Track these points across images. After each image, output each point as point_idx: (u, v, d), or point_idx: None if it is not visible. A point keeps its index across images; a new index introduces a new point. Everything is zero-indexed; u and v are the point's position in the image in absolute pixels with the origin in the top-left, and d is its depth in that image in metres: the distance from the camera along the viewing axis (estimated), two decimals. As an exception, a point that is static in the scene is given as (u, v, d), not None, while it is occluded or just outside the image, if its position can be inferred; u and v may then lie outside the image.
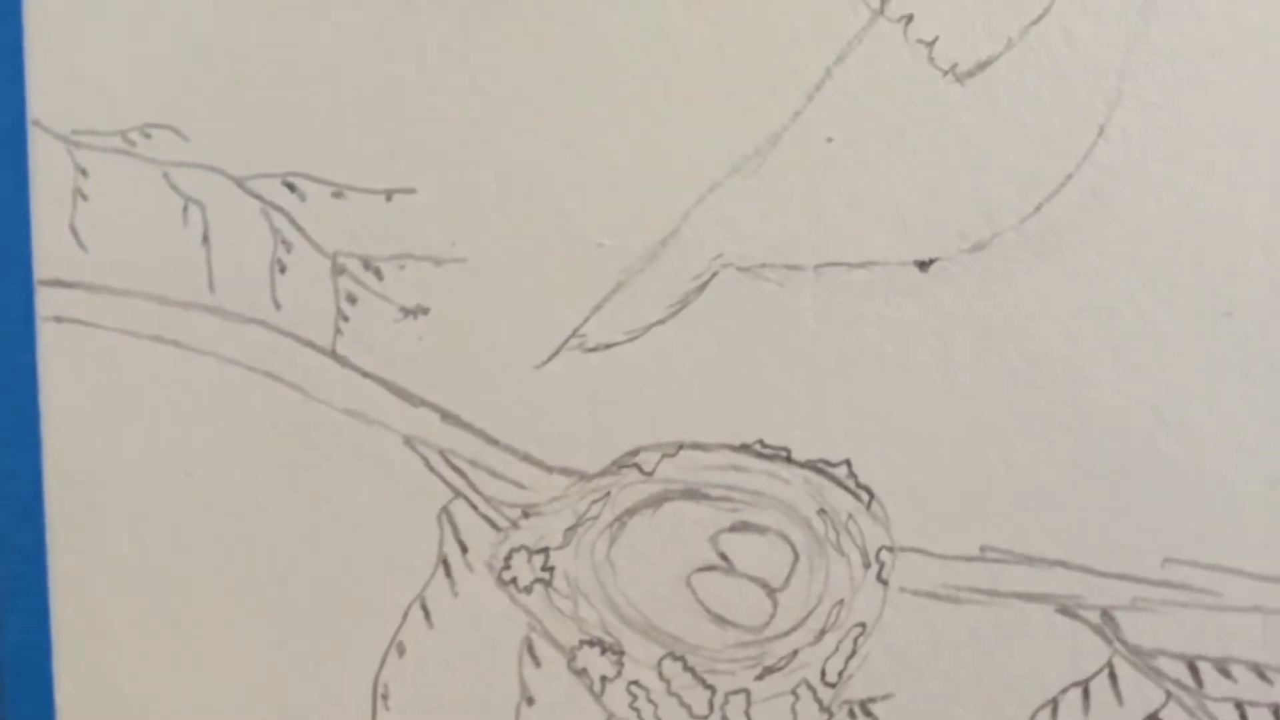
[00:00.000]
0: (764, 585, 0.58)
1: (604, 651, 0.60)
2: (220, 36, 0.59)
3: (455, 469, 0.60)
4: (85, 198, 0.61)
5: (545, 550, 0.60)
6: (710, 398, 0.58)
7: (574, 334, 0.58)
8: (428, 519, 0.61)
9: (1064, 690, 0.57)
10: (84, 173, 0.61)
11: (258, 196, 0.60)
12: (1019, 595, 0.56)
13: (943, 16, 0.53)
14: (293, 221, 0.59)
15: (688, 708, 0.60)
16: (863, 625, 0.58)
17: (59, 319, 0.62)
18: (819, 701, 0.59)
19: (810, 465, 0.57)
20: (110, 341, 0.61)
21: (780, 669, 0.59)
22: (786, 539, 0.58)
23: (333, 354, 0.60)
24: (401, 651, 0.62)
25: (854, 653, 0.58)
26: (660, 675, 0.60)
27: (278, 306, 0.60)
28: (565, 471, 0.59)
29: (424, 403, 0.60)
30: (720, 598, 0.59)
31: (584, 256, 0.57)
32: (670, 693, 0.60)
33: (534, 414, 0.59)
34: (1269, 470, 0.54)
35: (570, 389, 0.58)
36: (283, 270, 0.60)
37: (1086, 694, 0.57)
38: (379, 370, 0.60)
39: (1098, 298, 0.54)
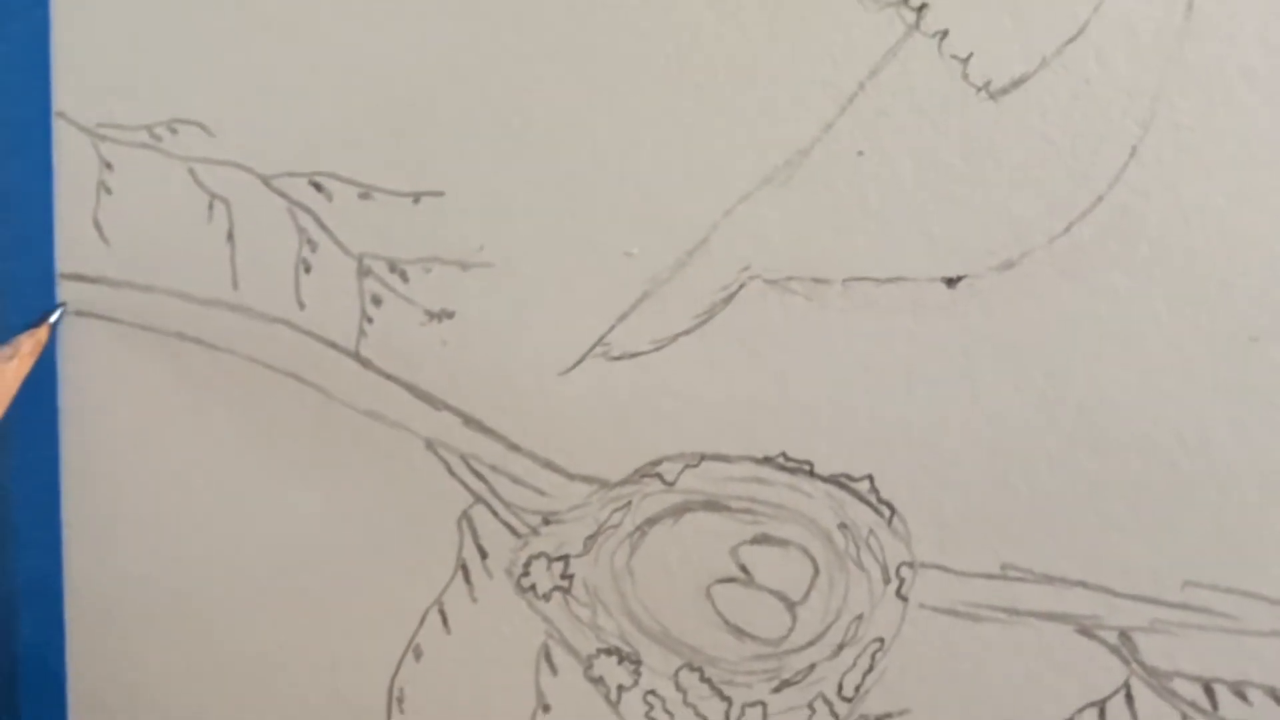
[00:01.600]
0: (783, 598, 0.61)
1: (621, 661, 0.63)
2: (249, 32, 0.62)
3: (476, 474, 0.63)
4: (109, 191, 0.64)
5: (565, 558, 0.63)
6: (734, 409, 0.60)
7: (599, 342, 0.60)
8: (448, 523, 0.64)
9: (1081, 710, 0.59)
10: (108, 166, 0.64)
11: (284, 195, 0.62)
12: (1038, 614, 0.59)
13: (977, 33, 0.55)
14: (319, 221, 0.62)
15: (704, 719, 0.63)
16: (881, 641, 0.60)
17: (80, 313, 0.65)
18: (835, 716, 0.61)
19: (833, 479, 0.60)
20: (131, 337, 0.65)
21: (797, 683, 0.61)
22: (807, 552, 0.60)
23: (356, 355, 0.63)
24: (418, 655, 0.65)
25: (871, 668, 0.60)
26: (677, 686, 0.63)
27: (302, 306, 0.63)
28: (587, 479, 0.62)
29: (446, 407, 0.62)
30: (739, 610, 0.61)
31: (611, 264, 0.60)
32: (686, 703, 0.63)
33: (557, 421, 0.61)
34: (1292, 496, 0.57)
35: (594, 397, 0.61)
36: (308, 270, 0.63)
37: (1103, 714, 0.59)
38: (402, 373, 0.63)
39: (1124, 319, 0.56)
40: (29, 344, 0.63)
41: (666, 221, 0.59)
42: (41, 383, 0.65)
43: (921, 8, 0.56)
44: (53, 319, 0.64)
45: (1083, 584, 0.58)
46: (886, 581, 0.60)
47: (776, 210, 0.58)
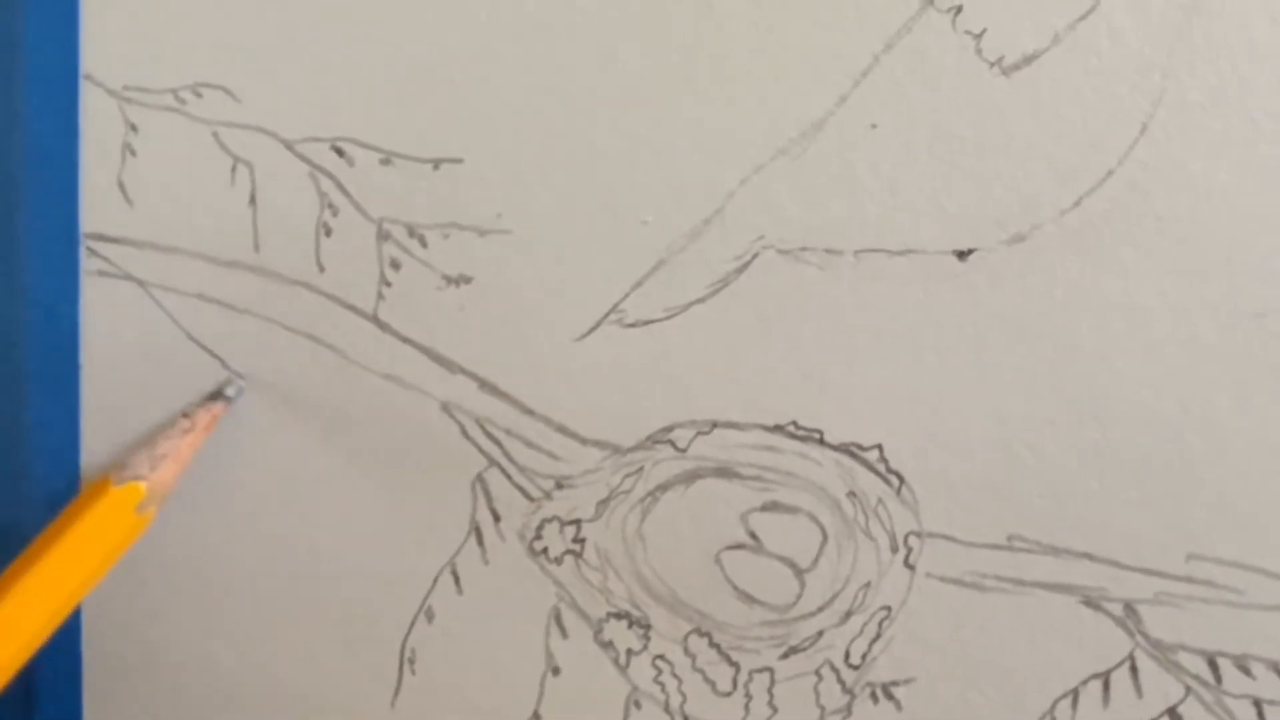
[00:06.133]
0: (792, 565, 0.66)
1: (631, 625, 0.68)
2: (275, -1, 0.67)
3: (491, 437, 0.68)
4: (134, 153, 0.69)
5: (577, 522, 0.68)
6: (746, 378, 0.65)
7: (614, 309, 0.65)
8: (461, 486, 0.69)
9: (1085, 681, 0.64)
10: (134, 129, 0.69)
11: (306, 160, 0.67)
12: (1044, 585, 0.64)
13: (991, 9, 0.60)
14: (340, 186, 0.67)
15: (711, 684, 0.68)
16: (888, 609, 0.66)
17: (103, 273, 0.70)
18: (842, 683, 0.67)
19: (842, 448, 0.65)
20: (153, 297, 0.70)
21: (805, 649, 0.67)
22: (816, 520, 0.65)
23: (374, 318, 0.68)
24: (430, 617, 0.71)
25: (878, 636, 0.66)
26: (686, 650, 0.68)
27: (322, 269, 0.68)
28: (600, 444, 0.67)
29: (462, 370, 0.68)
30: (748, 576, 0.67)
31: (627, 232, 0.65)
32: (695, 668, 0.68)
33: (571, 386, 0.67)
34: (1296, 471, 0.62)
35: (608, 363, 0.66)
36: (328, 234, 0.68)
37: (1107, 686, 0.64)
38: (419, 337, 0.68)
39: (1132, 293, 0.60)
40: (205, 418, 0.69)
41: (682, 191, 0.64)
42: (64, 340, 0.70)
43: (936, -17, 0.60)
44: (230, 392, 0.70)
45: (1088, 556, 0.63)
46: (894, 550, 0.65)
47: (790, 181, 0.63)
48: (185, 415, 0.70)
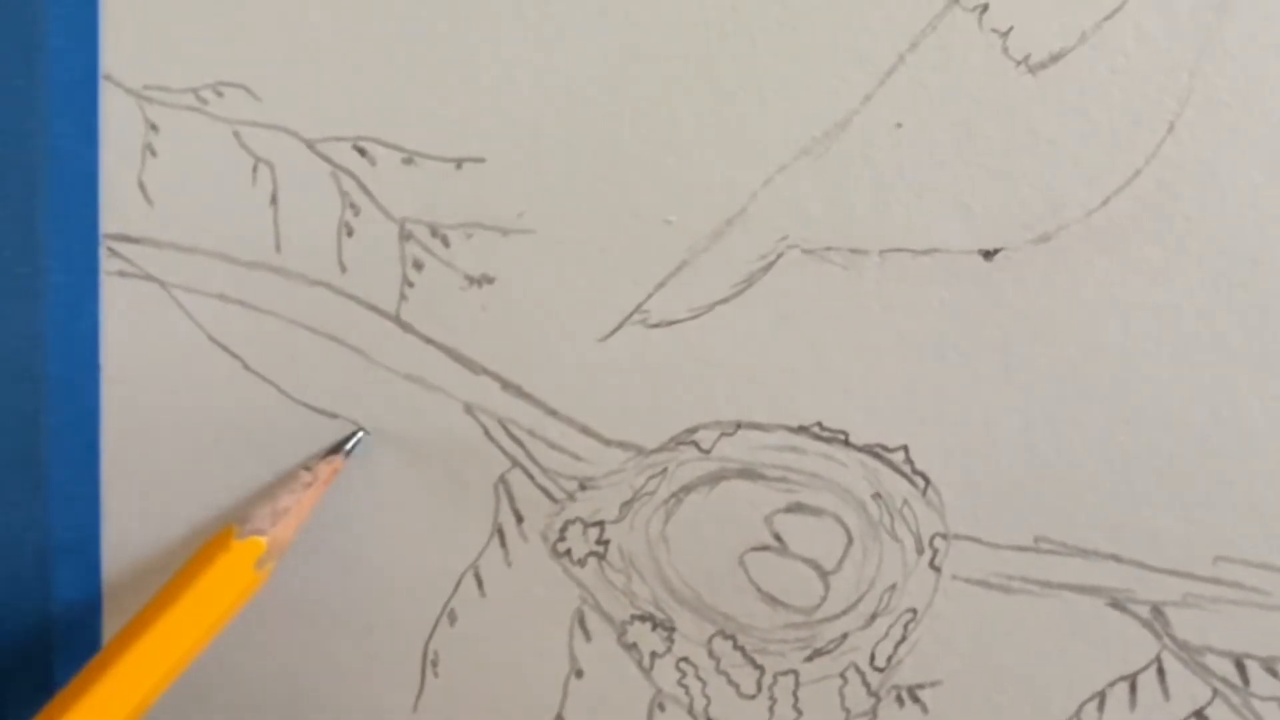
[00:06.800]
0: (817, 567, 0.66)
1: (655, 627, 0.69)
2: (295, -3, 0.67)
3: (514, 438, 0.68)
4: (154, 154, 0.69)
5: (600, 523, 0.68)
6: (770, 378, 0.65)
7: (637, 309, 0.66)
8: (484, 487, 0.69)
9: (1112, 684, 0.65)
10: (154, 128, 0.69)
11: (328, 159, 0.67)
12: (1071, 587, 0.64)
13: (1018, 8, 0.60)
14: (362, 186, 0.67)
15: (736, 686, 0.68)
16: (913, 611, 0.66)
17: (123, 274, 0.70)
18: (867, 685, 0.67)
19: (868, 449, 0.65)
20: (174, 298, 0.70)
21: (830, 652, 0.67)
22: (841, 522, 0.66)
23: (396, 319, 0.68)
24: (453, 619, 0.71)
25: (904, 638, 0.66)
26: (710, 653, 0.68)
27: (344, 269, 0.68)
28: (623, 446, 0.67)
29: (485, 371, 0.68)
30: (773, 578, 0.67)
31: (650, 232, 0.65)
32: (719, 671, 0.68)
33: (594, 387, 0.67)
34: (1325, 472, 0.62)
35: (631, 364, 0.66)
36: (350, 234, 0.68)
37: (1134, 688, 0.64)
38: (442, 337, 0.68)
39: (1158, 293, 0.61)
40: (326, 471, 0.69)
41: (705, 190, 0.64)
42: (85, 341, 0.71)
43: (963, -19, 0.60)
44: (349, 446, 0.70)
45: (1115, 557, 0.64)
46: (920, 552, 0.65)
47: (815, 181, 0.63)
48: (306, 469, 0.70)
